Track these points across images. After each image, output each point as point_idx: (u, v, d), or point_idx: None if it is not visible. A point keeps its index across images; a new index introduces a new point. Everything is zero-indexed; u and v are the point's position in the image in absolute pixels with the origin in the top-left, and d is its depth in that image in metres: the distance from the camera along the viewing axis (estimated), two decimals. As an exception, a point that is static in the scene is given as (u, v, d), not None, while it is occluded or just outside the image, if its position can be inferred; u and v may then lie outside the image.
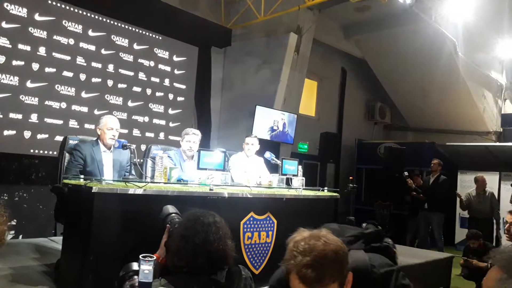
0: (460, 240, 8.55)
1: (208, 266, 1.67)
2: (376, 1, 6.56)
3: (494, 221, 7.16)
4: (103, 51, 6.15)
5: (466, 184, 7.96)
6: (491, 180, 8.32)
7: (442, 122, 10.29)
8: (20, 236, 5.33)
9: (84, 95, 5.94)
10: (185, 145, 4.08)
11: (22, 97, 5.35)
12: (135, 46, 6.55)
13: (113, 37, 6.29)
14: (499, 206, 7.28)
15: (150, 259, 1.74)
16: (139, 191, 2.84)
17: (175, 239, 1.78)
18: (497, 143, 9.36)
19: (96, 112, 5.98)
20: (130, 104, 6.48)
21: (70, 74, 5.78)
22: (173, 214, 2.35)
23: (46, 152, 5.55)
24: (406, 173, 7.25)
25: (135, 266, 1.82)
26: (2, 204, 1.31)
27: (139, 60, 6.60)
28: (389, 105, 11.22)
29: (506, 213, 4.39)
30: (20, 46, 5.33)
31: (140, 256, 1.76)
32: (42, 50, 5.52)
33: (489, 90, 10.11)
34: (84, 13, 5.96)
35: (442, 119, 10.22)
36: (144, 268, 1.72)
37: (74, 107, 5.83)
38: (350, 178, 5.21)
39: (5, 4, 5.23)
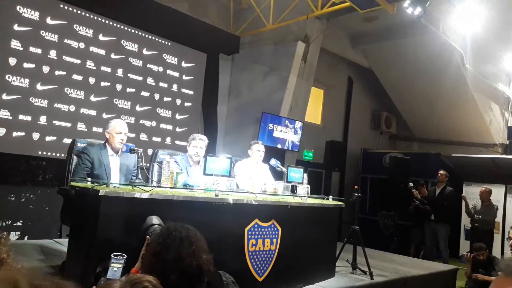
0: (464, 252, 8.48)
1: (183, 282, 1.59)
2: (384, 12, 6.57)
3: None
4: (112, 56, 6.22)
5: (471, 196, 7.91)
6: (497, 192, 8.28)
7: (448, 133, 10.26)
8: (26, 237, 5.37)
9: (93, 98, 6.00)
10: (192, 150, 4.11)
11: (32, 99, 5.42)
12: (145, 51, 6.62)
13: (123, 42, 6.36)
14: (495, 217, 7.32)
15: (121, 257, 1.75)
16: (145, 195, 2.86)
17: (147, 255, 1.72)
18: (503, 156, 9.32)
19: (104, 115, 6.04)
20: (138, 108, 6.53)
21: (79, 78, 5.85)
22: (156, 226, 2.32)
23: (53, 154, 5.60)
24: (411, 184, 7.24)
25: None
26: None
27: (148, 65, 6.67)
28: (395, 115, 11.22)
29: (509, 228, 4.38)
30: (32, 49, 5.41)
31: (112, 255, 1.77)
32: (52, 53, 5.59)
33: (496, 102, 10.08)
34: (95, 17, 6.04)
35: (448, 130, 10.19)
36: (114, 265, 1.74)
37: (82, 110, 5.89)
38: (355, 187, 5.20)
39: (17, 7, 5.31)
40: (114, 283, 1.13)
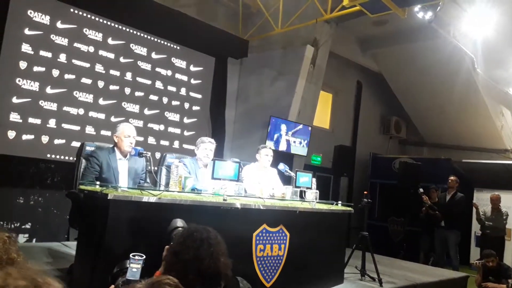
0: (475, 259, 8.37)
1: (199, 284, 1.62)
2: (394, 16, 6.53)
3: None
4: (121, 59, 6.24)
5: (482, 202, 7.81)
6: (509, 199, 8.16)
7: (459, 139, 10.15)
8: (34, 240, 5.39)
9: (101, 102, 6.01)
10: (202, 153, 4.11)
11: (42, 103, 5.44)
12: (153, 55, 6.63)
13: (132, 46, 6.38)
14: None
15: (139, 257, 1.76)
16: (154, 199, 2.85)
17: (168, 255, 1.76)
18: (515, 161, 9.20)
19: (113, 119, 6.05)
20: (146, 112, 6.54)
21: (88, 81, 5.87)
22: (180, 228, 2.34)
23: (62, 157, 5.61)
24: (421, 190, 7.16)
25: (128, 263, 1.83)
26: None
27: (157, 69, 6.68)
28: (405, 119, 11.13)
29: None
30: (42, 53, 5.44)
31: (130, 255, 1.77)
32: (62, 57, 5.62)
33: (508, 107, 9.97)
34: (105, 21, 6.07)
35: (459, 136, 10.09)
36: (133, 266, 1.75)
37: (91, 113, 5.90)
38: (365, 192, 5.14)
39: (28, 12, 5.35)
40: (136, 284, 1.19)
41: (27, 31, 5.33)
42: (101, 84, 6.01)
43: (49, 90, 5.50)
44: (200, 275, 1.61)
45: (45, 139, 5.48)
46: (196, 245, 1.68)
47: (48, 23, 5.51)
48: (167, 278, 1.20)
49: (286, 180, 4.69)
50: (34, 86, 5.38)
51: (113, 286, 1.78)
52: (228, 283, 1.72)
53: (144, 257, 1.78)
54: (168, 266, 1.69)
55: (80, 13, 5.82)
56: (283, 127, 7.39)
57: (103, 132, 5.95)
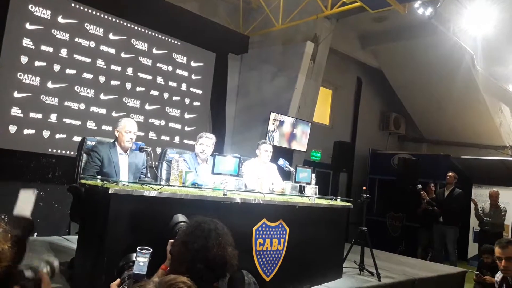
0: (473, 255, 8.43)
1: (207, 273, 1.65)
2: (394, 12, 6.54)
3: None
4: (122, 55, 6.26)
5: (480, 198, 7.86)
6: (507, 195, 8.20)
7: (458, 135, 10.18)
8: (35, 234, 5.41)
9: (102, 97, 6.04)
10: (199, 148, 4.14)
11: (43, 97, 5.47)
12: (154, 51, 6.65)
13: (133, 41, 6.39)
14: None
15: (146, 251, 1.78)
16: (154, 194, 2.87)
17: (176, 245, 1.80)
18: (514, 158, 9.23)
19: (114, 114, 6.08)
20: (147, 107, 6.56)
21: (89, 76, 5.89)
22: (182, 223, 2.36)
23: (63, 152, 5.65)
24: (419, 186, 7.19)
25: (134, 257, 1.85)
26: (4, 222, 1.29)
27: (158, 65, 6.70)
28: (404, 115, 11.15)
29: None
30: (43, 47, 5.45)
31: (137, 248, 1.79)
32: (63, 52, 5.63)
33: (507, 104, 9.99)
34: (106, 16, 6.08)
35: (458, 132, 10.11)
36: (140, 260, 1.76)
37: (92, 108, 5.93)
38: (364, 188, 5.17)
39: (29, 6, 5.36)
40: (147, 284, 1.18)
41: (28, 26, 5.34)
42: (102, 79, 6.03)
43: (50, 84, 5.52)
44: (208, 264, 1.65)
45: (46, 133, 5.51)
46: (205, 234, 1.72)
47: (49, 18, 5.52)
48: (182, 281, 1.21)
49: (286, 175, 4.72)
50: (35, 80, 5.40)
51: (118, 280, 1.79)
52: (234, 273, 1.76)
53: (151, 250, 1.79)
54: (176, 257, 1.73)
55: (81, 8, 5.82)
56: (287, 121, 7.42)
57: (104, 127, 5.98)
